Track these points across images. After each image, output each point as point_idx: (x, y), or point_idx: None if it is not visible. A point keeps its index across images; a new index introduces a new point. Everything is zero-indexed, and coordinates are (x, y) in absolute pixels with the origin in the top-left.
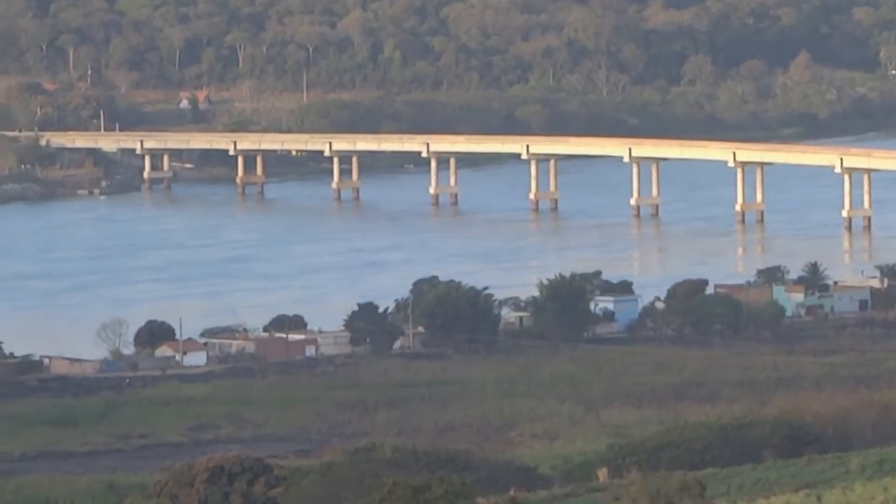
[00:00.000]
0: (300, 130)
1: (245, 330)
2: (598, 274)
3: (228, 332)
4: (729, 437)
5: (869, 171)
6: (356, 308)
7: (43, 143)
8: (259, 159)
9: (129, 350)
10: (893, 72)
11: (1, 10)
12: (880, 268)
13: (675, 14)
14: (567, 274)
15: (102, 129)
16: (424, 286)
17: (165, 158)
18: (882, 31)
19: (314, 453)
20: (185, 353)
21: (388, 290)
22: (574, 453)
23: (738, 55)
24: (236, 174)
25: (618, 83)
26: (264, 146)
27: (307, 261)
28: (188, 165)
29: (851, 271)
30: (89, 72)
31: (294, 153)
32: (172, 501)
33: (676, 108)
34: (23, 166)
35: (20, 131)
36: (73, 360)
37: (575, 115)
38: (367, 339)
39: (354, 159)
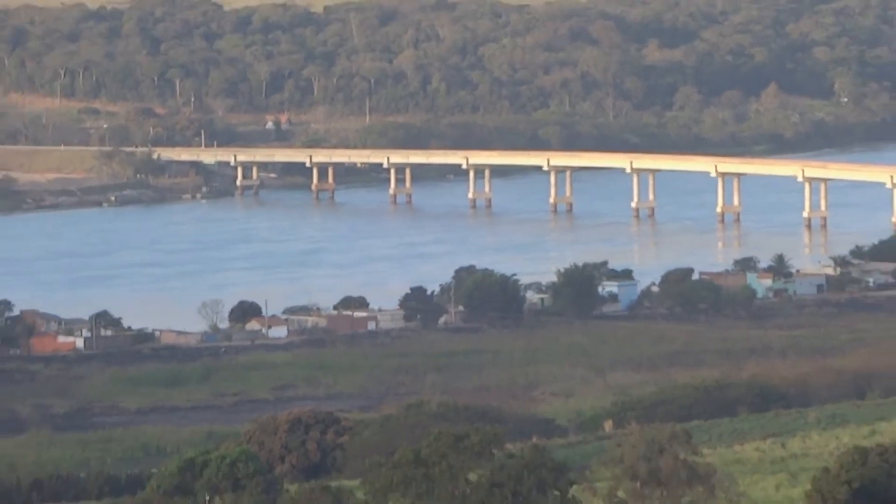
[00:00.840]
0: (363, 146)
1: (318, 308)
2: (604, 263)
3: (305, 310)
4: (710, 395)
5: (825, 180)
6: (408, 291)
7: (155, 156)
8: (330, 170)
9: (224, 324)
10: (844, 100)
11: (121, 48)
12: (834, 258)
13: (668, 52)
14: (579, 263)
15: (203, 145)
16: (464, 273)
17: (254, 169)
18: (836, 66)
19: (374, 408)
20: (269, 328)
21: (434, 277)
22: (585, 408)
23: (720, 86)
24: (311, 182)
25: (622, 109)
26: (334, 159)
27: (368, 253)
28: (272, 175)
29: (810, 261)
30: (192, 99)
31: (359, 165)
32: (259, 447)
33: (669, 129)
34: (138, 176)
35: (136, 147)
36: (179, 333)
37: (587, 134)
38: (418, 316)
39: (407, 170)
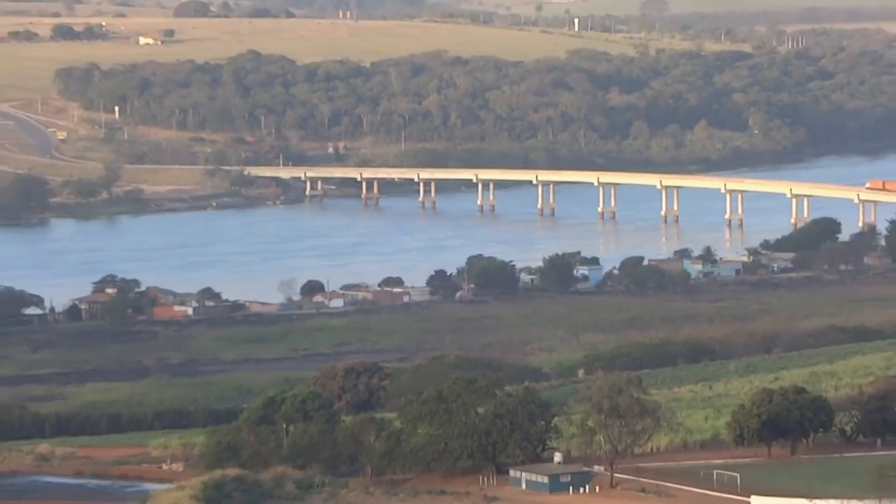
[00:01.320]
0: (400, 166)
1: (366, 286)
2: (578, 253)
3: (356, 287)
4: (656, 350)
5: (741, 191)
6: (433, 273)
7: (245, 173)
8: (375, 183)
9: (296, 297)
10: (756, 132)
11: (220, 93)
12: (748, 249)
13: (625, 97)
14: (560, 253)
15: (281, 164)
16: (474, 260)
17: (319, 183)
18: (750, 107)
19: (407, 360)
20: (330, 300)
21: (452, 262)
22: (563, 360)
23: (663, 122)
24: (361, 193)
25: (591, 138)
26: (378, 175)
27: (403, 245)
28: (332, 187)
29: (731, 252)
30: (273, 131)
31: (396, 180)
32: (323, 388)
33: (625, 154)
34: (233, 187)
35: (232, 166)
36: (263, 304)
37: (565, 157)
38: (440, 292)
39: (432, 184)
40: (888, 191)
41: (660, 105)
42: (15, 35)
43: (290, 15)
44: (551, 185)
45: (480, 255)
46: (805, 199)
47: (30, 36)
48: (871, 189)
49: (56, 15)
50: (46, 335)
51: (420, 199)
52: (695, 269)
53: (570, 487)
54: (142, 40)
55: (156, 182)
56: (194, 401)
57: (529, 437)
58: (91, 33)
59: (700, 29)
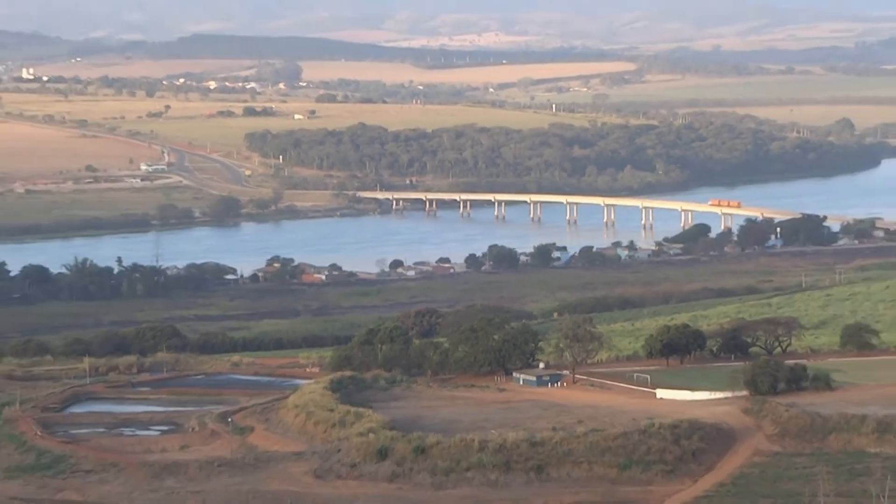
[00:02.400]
0: (448, 191)
1: (428, 262)
2: (553, 243)
3: (422, 263)
4: (600, 302)
5: (651, 207)
6: (467, 255)
7: (357, 195)
8: (434, 202)
9: (387, 269)
10: (661, 173)
11: (342, 148)
12: (655, 242)
13: (583, 151)
14: (544, 243)
15: (378, 190)
16: (492, 247)
17: (400, 202)
18: (657, 158)
19: (453, 307)
20: (407, 271)
21: (479, 249)
22: (545, 308)
23: (605, 166)
24: (426, 208)
25: (562, 176)
26: (435, 197)
27: (449, 238)
28: (408, 204)
29: (645, 243)
30: (373, 170)
31: (446, 199)
32: (402, 323)
33: (582, 185)
34: (349, 204)
35: (348, 191)
36: (367, 273)
37: (547, 187)
38: (472, 267)
39: (468, 203)
40: (720, 206)
41: (603, 156)
42: (221, 113)
43: (384, 102)
44: (539, 204)
45: (496, 244)
46: (689, 213)
47: (230, 114)
48: (712, 205)
49: (245, 101)
50: (238, 291)
51: (460, 211)
52: (623, 253)
53: (549, 383)
54: (296, 116)
55: (303, 200)
56: (325, 331)
57: (524, 353)
58: (266, 112)
59: (627, 111)
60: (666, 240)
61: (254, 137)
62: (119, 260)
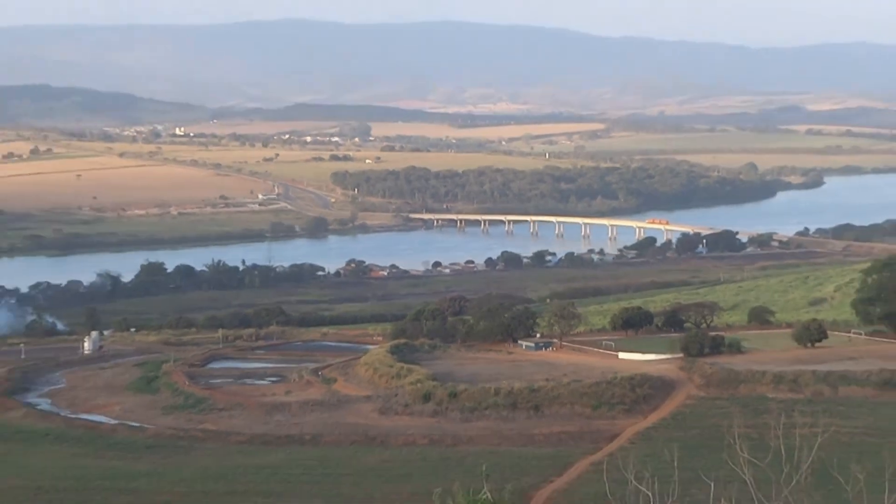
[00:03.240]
0: (473, 213)
1: (460, 263)
2: (547, 250)
3: (455, 263)
4: (578, 291)
5: (616, 225)
6: (486, 258)
7: (409, 216)
8: (463, 221)
9: (430, 267)
10: (622, 199)
11: (399, 183)
12: (619, 249)
13: (567, 185)
14: (539, 250)
15: (424, 213)
16: (504, 253)
17: (440, 221)
18: (619, 190)
19: (476, 294)
20: (444, 269)
21: (494, 254)
22: (541, 295)
23: (584, 196)
24: (457, 225)
25: (553, 203)
26: (464, 217)
27: (473, 246)
28: (444, 223)
29: (611, 250)
30: (421, 199)
31: (472, 219)
32: (440, 306)
33: (568, 209)
34: (404, 222)
35: (402, 213)
36: (417, 270)
37: (541, 210)
38: (490, 266)
39: (487, 222)
40: (655, 223)
41: (581, 189)
42: (314, 158)
43: (428, 151)
44: (536, 222)
45: (506, 250)
46: (641, 229)
47: (320, 159)
48: (650, 223)
49: (331, 150)
50: (325, 283)
51: (481, 227)
52: (596, 257)
53: (543, 348)
54: (367, 161)
55: (371, 220)
56: (387, 311)
57: (526, 327)
58: (345, 158)
59: (598, 158)
60: (625, 247)
61: (337, 175)
62: (243, 261)
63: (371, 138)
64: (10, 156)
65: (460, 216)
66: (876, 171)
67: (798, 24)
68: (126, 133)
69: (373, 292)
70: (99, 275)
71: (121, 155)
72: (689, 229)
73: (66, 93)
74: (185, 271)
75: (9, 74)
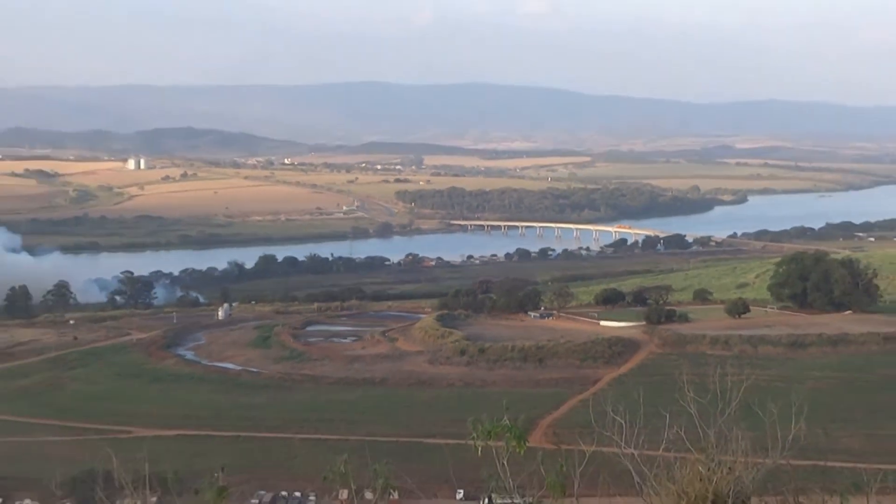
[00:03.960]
0: (496, 221)
1: (484, 255)
2: (549, 247)
3: (483, 256)
4: (572, 276)
5: (599, 230)
6: (505, 252)
7: (450, 223)
8: (489, 227)
9: (466, 258)
10: (602, 212)
11: (444, 201)
12: (600, 247)
13: (563, 201)
14: (544, 247)
15: (461, 220)
16: (518, 249)
17: (472, 226)
18: (600, 203)
19: (497, 278)
20: (475, 260)
21: (511, 249)
22: (544, 279)
23: (575, 209)
24: (485, 229)
25: (552, 213)
26: (489, 224)
27: (496, 244)
28: (476, 227)
29: (595, 248)
30: (460, 210)
31: (495, 225)
32: (473, 287)
33: (564, 218)
34: (447, 226)
35: (446, 220)
36: (454, 261)
37: (546, 219)
38: (507, 258)
39: (506, 227)
40: (622, 228)
41: (574, 204)
42: (384, 181)
43: (464, 176)
44: (542, 228)
45: (520, 247)
46: (616, 233)
47: (387, 181)
48: (622, 228)
49: (396, 175)
50: (391, 270)
51: (502, 231)
52: (584, 252)
53: (546, 317)
54: (420, 183)
55: (424, 225)
56: (434, 290)
57: (534, 302)
58: (405, 180)
59: (586, 181)
60: (605, 246)
61: (399, 193)
62: (331, 254)
63: (423, 167)
64: (166, 178)
65: (487, 223)
66: (785, 191)
67: (730, 84)
68: (249, 162)
69: (424, 277)
70: (229, 263)
71: (245, 178)
72: (650, 233)
73: (205, 133)
74: (290, 261)
75: (164, 119)
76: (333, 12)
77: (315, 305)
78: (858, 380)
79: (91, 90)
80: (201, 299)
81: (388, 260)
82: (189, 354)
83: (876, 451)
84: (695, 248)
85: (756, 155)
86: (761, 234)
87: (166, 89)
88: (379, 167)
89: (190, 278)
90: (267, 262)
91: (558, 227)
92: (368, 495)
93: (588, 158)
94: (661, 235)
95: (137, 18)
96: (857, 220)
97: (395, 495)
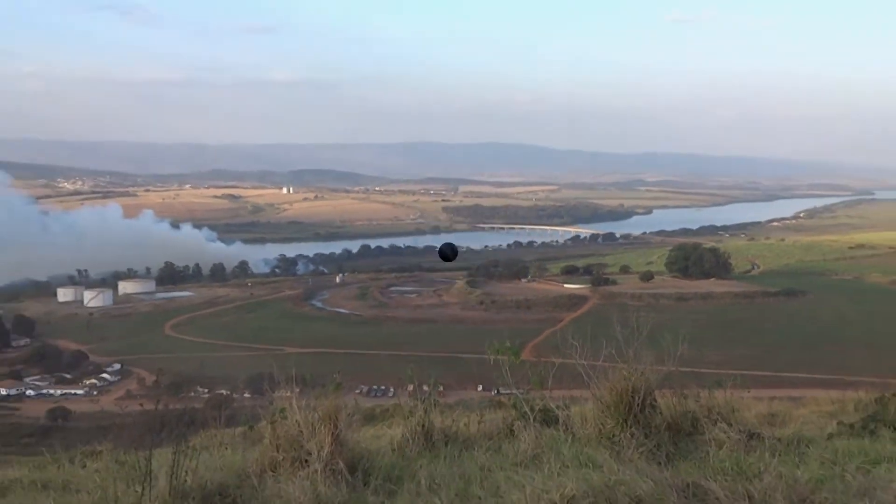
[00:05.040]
0: (503, 224)
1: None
2: (532, 241)
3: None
4: (545, 258)
5: (563, 230)
6: (507, 243)
7: (476, 225)
8: (498, 228)
9: (483, 247)
10: (565, 219)
11: (470, 213)
12: (565, 241)
13: (541, 213)
14: (530, 240)
15: (482, 223)
16: (516, 241)
17: (487, 227)
18: (564, 214)
19: (502, 259)
20: (488, 248)
21: (511, 241)
22: (531, 260)
23: (549, 217)
24: (495, 230)
25: (533, 220)
26: (499, 226)
27: (502, 239)
28: (489, 229)
29: (561, 240)
30: (481, 218)
31: (500, 227)
32: (486, 264)
33: (543, 223)
34: (475, 228)
35: (474, 223)
36: (475, 248)
37: (532, 223)
38: (508, 247)
39: (507, 228)
40: (579, 229)
41: (547, 213)
42: (433, 201)
43: (482, 197)
44: (529, 229)
45: (516, 240)
46: (573, 232)
47: (437, 201)
48: (575, 229)
49: (442, 197)
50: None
51: (505, 231)
52: (554, 243)
53: (532, 282)
54: (457, 201)
55: (458, 227)
56: (464, 265)
57: (524, 272)
58: (447, 200)
59: (556, 201)
60: (567, 240)
61: (445, 208)
62: (403, 244)
63: (459, 192)
64: (305, 199)
65: (496, 225)
66: (675, 207)
67: (635, 138)
68: (354, 189)
69: (459, 258)
70: (343, 249)
71: (352, 199)
72: (594, 231)
73: (328, 171)
74: (379, 249)
75: (305, 163)
76: (405, 96)
77: (393, 274)
78: (719, 320)
79: (263, 146)
80: (325, 271)
81: (436, 247)
82: (318, 303)
83: (730, 362)
84: (620, 240)
85: (659, 185)
86: (660, 232)
87: (307, 145)
88: (432, 192)
89: (319, 258)
90: (365, 248)
91: (539, 228)
92: (425, 388)
93: (556, 187)
94: (601, 233)
95: (288, 104)
96: (718, 224)
97: (441, 389)
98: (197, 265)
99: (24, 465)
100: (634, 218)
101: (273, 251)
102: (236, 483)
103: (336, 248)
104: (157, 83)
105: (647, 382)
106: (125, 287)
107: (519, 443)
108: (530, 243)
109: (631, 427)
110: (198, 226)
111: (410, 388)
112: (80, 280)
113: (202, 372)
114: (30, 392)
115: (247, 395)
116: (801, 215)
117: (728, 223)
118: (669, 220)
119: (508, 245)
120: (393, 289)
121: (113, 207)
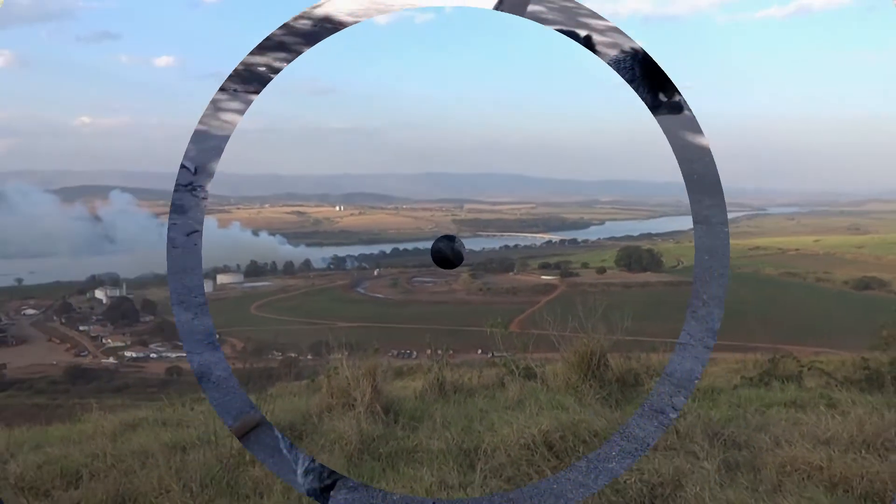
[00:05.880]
0: (504, 233)
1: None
2: (517, 244)
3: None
4: (527, 256)
5: (541, 237)
6: (504, 245)
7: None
8: (499, 234)
9: (485, 248)
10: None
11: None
12: (542, 244)
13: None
14: (518, 243)
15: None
16: (504, 245)
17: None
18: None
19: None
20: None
21: (508, 243)
22: (517, 258)
23: (530, 227)
24: (497, 236)
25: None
26: (501, 234)
27: (502, 241)
28: (493, 235)
29: (538, 244)
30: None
31: (501, 234)
32: (487, 262)
33: (528, 231)
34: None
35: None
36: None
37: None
38: (499, 249)
39: (500, 235)
40: (550, 236)
41: (529, 224)
42: (444, 216)
43: (481, 212)
44: (516, 235)
45: (506, 245)
46: (547, 237)
47: (447, 215)
48: (548, 235)
49: (455, 214)
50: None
51: (498, 237)
52: (534, 246)
53: (517, 275)
54: (462, 215)
55: (464, 234)
56: (469, 262)
57: (512, 267)
58: (455, 214)
59: (532, 214)
60: (542, 243)
61: (453, 220)
62: (416, 248)
63: (462, 209)
64: (361, 213)
65: (492, 233)
66: (623, 219)
67: (597, 167)
68: (389, 206)
69: (470, 255)
70: (380, 250)
71: (387, 213)
72: (562, 237)
73: (370, 195)
74: (407, 250)
75: (356, 187)
76: (427, 135)
77: (416, 269)
78: (654, 301)
79: (323, 176)
80: (366, 267)
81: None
82: (361, 290)
83: (662, 333)
84: (581, 244)
85: (610, 204)
86: (611, 238)
87: (355, 175)
88: (444, 209)
89: (362, 257)
90: (395, 250)
91: (522, 235)
92: (439, 352)
93: (535, 205)
94: (567, 239)
95: (341, 144)
96: (654, 232)
97: (451, 352)
98: (273, 262)
99: (149, 408)
100: (592, 227)
101: (328, 252)
102: (301, 421)
103: (374, 249)
104: (246, 131)
105: (602, 347)
106: (221, 278)
107: (508, 392)
108: (516, 246)
109: (590, 380)
110: (272, 234)
111: (428, 352)
112: None
113: (277, 340)
114: (153, 355)
115: (309, 357)
116: None
117: (661, 231)
118: (618, 230)
119: (500, 247)
120: (415, 280)
121: (210, 221)
